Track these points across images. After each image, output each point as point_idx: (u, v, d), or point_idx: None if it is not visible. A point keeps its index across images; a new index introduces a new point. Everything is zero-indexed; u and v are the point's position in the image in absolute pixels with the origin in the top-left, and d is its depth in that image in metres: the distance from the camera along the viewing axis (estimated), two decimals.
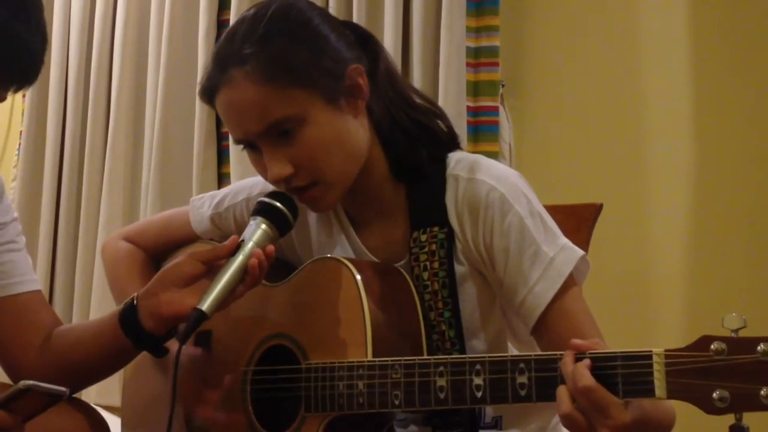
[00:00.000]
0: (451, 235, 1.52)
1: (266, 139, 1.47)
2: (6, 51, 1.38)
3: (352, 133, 1.51)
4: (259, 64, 1.45)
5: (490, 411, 1.57)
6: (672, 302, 2.54)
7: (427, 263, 1.52)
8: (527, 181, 1.55)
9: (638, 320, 2.55)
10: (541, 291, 1.46)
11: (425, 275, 1.52)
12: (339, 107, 1.49)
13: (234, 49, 1.48)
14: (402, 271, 1.55)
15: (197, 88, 1.57)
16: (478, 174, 1.51)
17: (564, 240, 1.49)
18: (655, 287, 2.58)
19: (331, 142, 1.48)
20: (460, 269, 1.53)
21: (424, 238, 1.53)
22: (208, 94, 1.52)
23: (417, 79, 2.73)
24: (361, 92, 1.51)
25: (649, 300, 2.58)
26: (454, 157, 1.56)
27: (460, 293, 1.53)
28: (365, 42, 1.59)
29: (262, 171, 1.52)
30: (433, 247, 1.53)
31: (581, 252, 1.49)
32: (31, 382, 1.30)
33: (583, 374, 1.22)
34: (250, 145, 1.51)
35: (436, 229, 1.53)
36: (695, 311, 2.49)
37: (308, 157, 1.47)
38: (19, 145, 3.44)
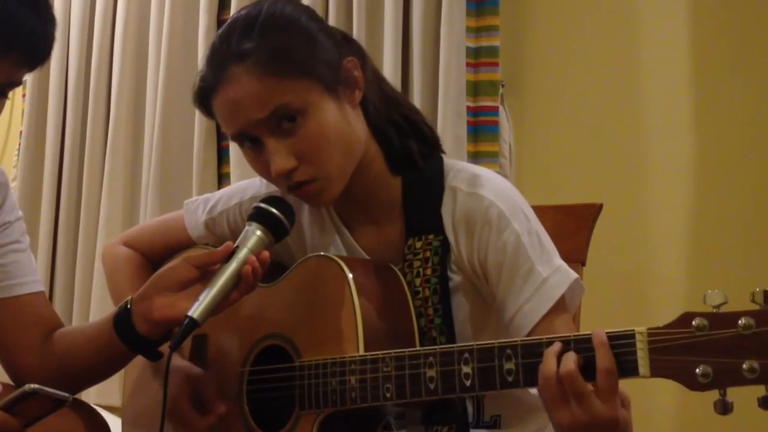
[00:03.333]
0: (446, 243, 1.52)
1: (269, 130, 1.46)
2: (17, 37, 1.39)
3: (352, 124, 1.51)
4: (260, 59, 1.45)
5: (489, 410, 1.57)
6: (671, 302, 2.53)
7: (420, 269, 1.52)
8: (525, 198, 1.54)
9: (638, 320, 2.54)
10: (530, 311, 1.45)
11: (417, 281, 1.52)
12: (338, 97, 1.49)
13: (231, 48, 1.47)
14: (394, 268, 1.55)
15: (192, 93, 1.55)
16: (479, 189, 1.51)
17: (559, 261, 1.49)
18: (655, 287, 2.58)
19: (333, 133, 1.48)
20: (453, 278, 1.53)
21: (419, 245, 1.53)
22: (204, 95, 1.51)
23: (417, 79, 2.73)
24: (357, 84, 1.52)
25: (648, 300, 2.58)
26: (453, 167, 1.56)
27: (453, 301, 1.52)
28: (349, 43, 1.59)
29: (262, 167, 1.51)
30: (428, 254, 1.52)
31: (575, 275, 1.48)
32: (36, 385, 1.30)
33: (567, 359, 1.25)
34: (250, 139, 1.50)
35: (431, 236, 1.52)
36: (694, 311, 2.48)
37: (311, 149, 1.47)
38: (19, 145, 3.43)
